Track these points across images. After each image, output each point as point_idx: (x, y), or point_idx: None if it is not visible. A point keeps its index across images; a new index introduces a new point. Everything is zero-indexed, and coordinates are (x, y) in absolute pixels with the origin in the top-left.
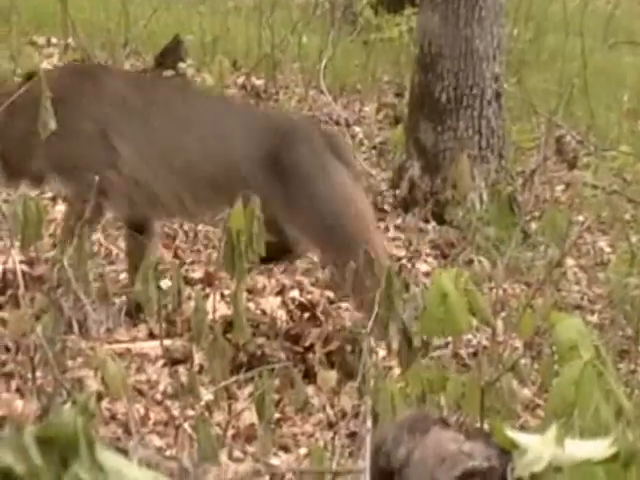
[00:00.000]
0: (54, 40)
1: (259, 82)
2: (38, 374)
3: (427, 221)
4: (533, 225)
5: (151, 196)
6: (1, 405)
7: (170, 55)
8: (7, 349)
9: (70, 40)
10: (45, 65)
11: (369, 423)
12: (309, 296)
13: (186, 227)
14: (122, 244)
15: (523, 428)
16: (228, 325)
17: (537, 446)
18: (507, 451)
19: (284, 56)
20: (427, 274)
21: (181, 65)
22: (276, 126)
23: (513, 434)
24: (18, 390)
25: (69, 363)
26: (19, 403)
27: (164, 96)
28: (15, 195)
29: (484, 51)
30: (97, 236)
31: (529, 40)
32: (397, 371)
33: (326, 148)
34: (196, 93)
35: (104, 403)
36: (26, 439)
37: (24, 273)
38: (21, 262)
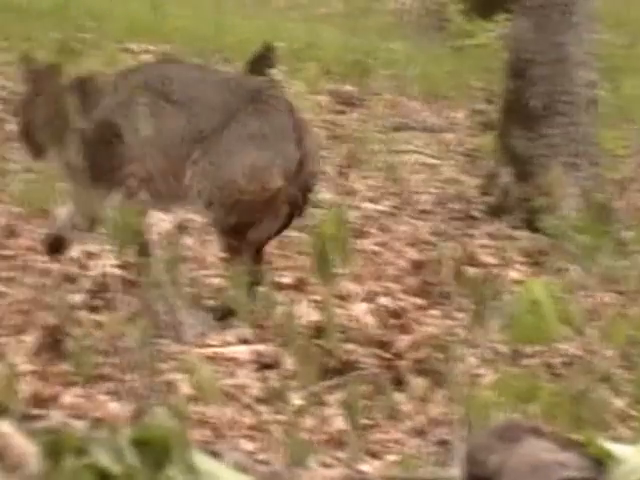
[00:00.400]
0: (148, 47)
1: (349, 88)
2: (132, 377)
3: (518, 229)
4: (628, 233)
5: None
6: (96, 407)
7: (261, 62)
8: (102, 352)
9: (164, 47)
10: None
11: (461, 431)
12: (399, 303)
13: None
14: (214, 249)
15: (616, 439)
16: (318, 331)
17: (633, 457)
18: (601, 462)
19: (375, 62)
20: (518, 282)
21: (272, 72)
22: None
23: (608, 445)
24: (113, 392)
25: (162, 366)
26: (114, 405)
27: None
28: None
29: (577, 57)
30: (189, 241)
31: (624, 46)
32: (488, 379)
33: None
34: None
35: (195, 407)
36: (122, 441)
37: (119, 277)
38: (117, 266)
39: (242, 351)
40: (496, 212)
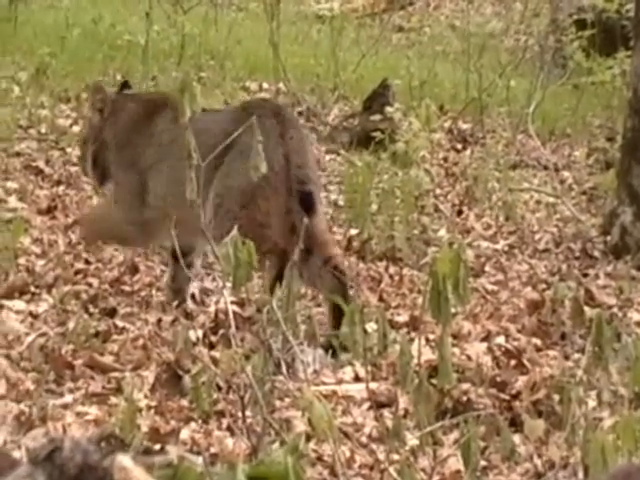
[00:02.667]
0: (265, 85)
1: (466, 126)
2: (248, 413)
3: (639, 269)
4: None
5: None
6: (213, 443)
7: (378, 99)
8: (219, 388)
9: (281, 85)
10: None
11: (580, 475)
12: (515, 343)
13: (391, 270)
14: None
15: None
16: (433, 370)
17: None
18: None
19: (491, 100)
20: (639, 324)
21: (388, 109)
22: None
23: None
24: (229, 428)
25: (277, 403)
26: (230, 441)
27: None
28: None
29: None
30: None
31: None
32: (607, 422)
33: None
34: None
35: (311, 444)
36: (239, 477)
37: (235, 314)
38: (232, 303)
39: (357, 389)
40: (616, 252)
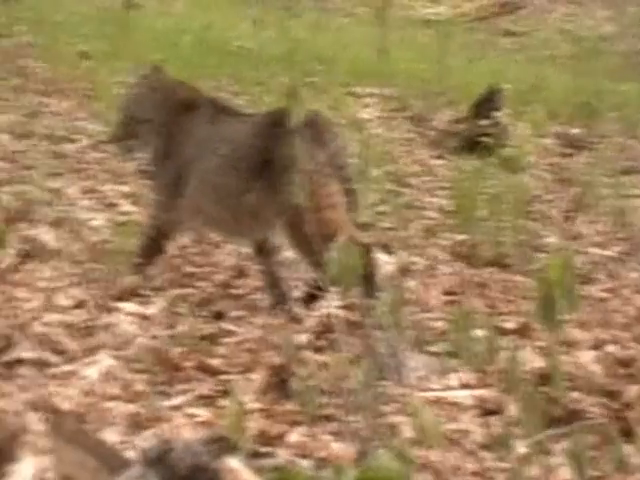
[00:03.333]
0: (373, 90)
1: (576, 131)
2: (354, 418)
3: None
4: None
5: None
6: (321, 447)
7: (485, 104)
8: (325, 392)
9: (388, 90)
10: (363, 115)
11: None
12: (627, 351)
13: (499, 276)
14: (434, 292)
15: None
16: (542, 378)
17: None
18: None
19: (603, 104)
20: None
21: (496, 114)
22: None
23: None
24: (336, 433)
25: (384, 408)
26: (337, 446)
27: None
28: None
29: None
30: (412, 283)
31: None
32: None
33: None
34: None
35: (418, 450)
36: None
37: (342, 318)
38: (340, 307)
39: (465, 396)
40: None
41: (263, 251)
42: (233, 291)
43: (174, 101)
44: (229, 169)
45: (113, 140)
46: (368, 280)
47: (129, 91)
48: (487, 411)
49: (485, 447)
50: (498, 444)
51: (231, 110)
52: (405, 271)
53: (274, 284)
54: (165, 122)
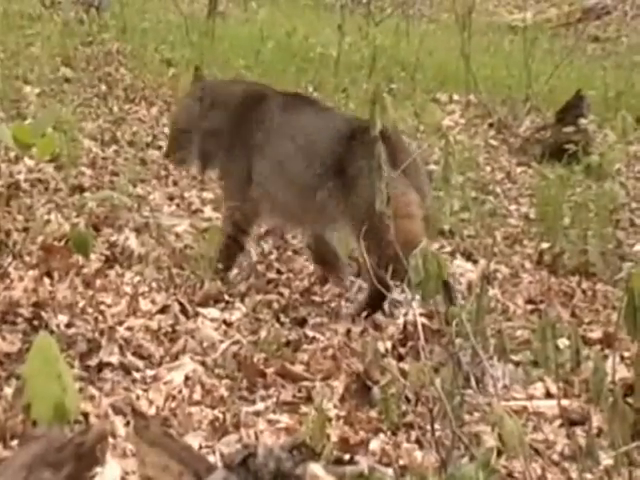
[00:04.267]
0: (456, 97)
1: None
2: (437, 426)
3: None
4: None
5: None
6: (402, 455)
7: (571, 111)
8: (407, 400)
9: (471, 96)
10: (447, 122)
11: None
12: None
13: (584, 285)
14: (517, 300)
15: None
16: (628, 389)
17: None
18: None
19: None
20: None
21: (582, 121)
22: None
23: None
24: (418, 441)
25: (466, 417)
26: (419, 454)
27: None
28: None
29: None
30: (495, 291)
31: None
32: None
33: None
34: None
35: (501, 460)
36: None
37: (424, 326)
38: (421, 315)
39: (549, 406)
40: None
41: (317, 243)
42: (315, 298)
43: (234, 97)
44: (304, 162)
45: (165, 155)
46: (446, 288)
47: (175, 106)
48: (572, 421)
49: (570, 458)
50: (583, 455)
51: (300, 100)
52: (488, 279)
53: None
54: (226, 119)
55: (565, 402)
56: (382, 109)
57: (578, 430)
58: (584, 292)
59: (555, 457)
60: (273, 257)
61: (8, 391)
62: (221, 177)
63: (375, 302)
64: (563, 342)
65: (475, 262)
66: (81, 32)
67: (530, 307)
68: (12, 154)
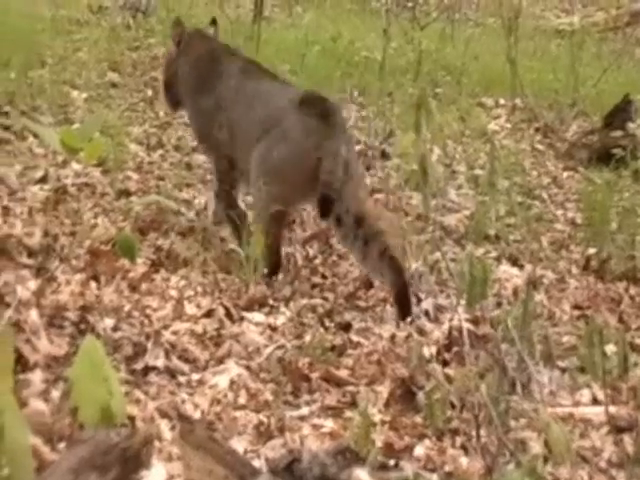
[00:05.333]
0: (502, 101)
1: None
2: (482, 432)
3: None
4: None
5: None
6: (447, 461)
7: (619, 115)
8: (452, 405)
9: (517, 101)
10: (492, 126)
11: None
12: None
13: (632, 291)
14: (564, 306)
15: None
16: None
17: None
18: None
19: None
20: None
21: (630, 125)
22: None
23: None
24: (463, 447)
25: (512, 423)
26: (464, 460)
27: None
28: (462, 254)
29: None
30: (540, 297)
31: None
32: None
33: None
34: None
35: (547, 467)
36: None
37: (469, 331)
38: (467, 320)
39: (596, 412)
40: None
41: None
42: (359, 303)
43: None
44: (252, 120)
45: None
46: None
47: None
48: (619, 428)
49: (617, 465)
50: (631, 462)
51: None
52: (534, 284)
53: None
54: (194, 68)
55: (612, 409)
56: (427, 113)
57: (626, 437)
58: (632, 298)
59: (602, 464)
60: (318, 261)
61: (55, 394)
62: (189, 119)
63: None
64: (610, 348)
65: (521, 267)
66: (128, 37)
67: (577, 313)
68: (60, 158)
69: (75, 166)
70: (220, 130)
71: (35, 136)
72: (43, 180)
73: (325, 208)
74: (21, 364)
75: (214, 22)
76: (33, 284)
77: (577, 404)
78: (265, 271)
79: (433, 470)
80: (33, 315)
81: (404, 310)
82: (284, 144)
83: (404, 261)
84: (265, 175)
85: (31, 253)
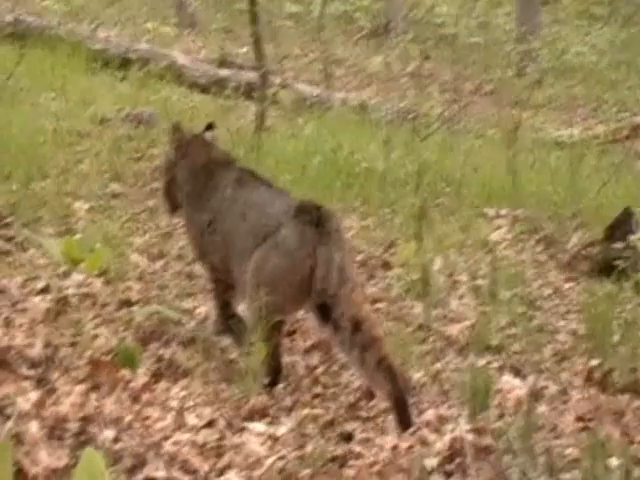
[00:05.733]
0: (503, 212)
1: None
2: None
3: None
4: None
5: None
6: None
7: (620, 227)
8: None
9: (519, 212)
10: (494, 237)
11: None
12: None
13: (635, 404)
14: (567, 418)
15: None
16: None
17: None
18: None
19: None
20: None
21: (631, 237)
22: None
23: None
24: None
25: None
26: None
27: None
28: (464, 364)
29: None
30: (543, 408)
31: None
32: None
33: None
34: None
35: None
36: None
37: (471, 443)
38: (469, 431)
39: None
40: None
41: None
42: (361, 413)
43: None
44: (247, 231)
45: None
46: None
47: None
48: None
49: None
50: None
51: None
52: (537, 396)
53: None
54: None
55: None
56: (429, 224)
57: None
58: (635, 411)
59: None
60: (319, 371)
61: None
62: (185, 228)
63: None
64: (613, 461)
65: (523, 378)
66: (130, 148)
67: (580, 425)
68: (62, 269)
69: (77, 276)
70: (215, 241)
71: (37, 247)
72: (45, 291)
73: (322, 314)
74: (21, 477)
75: (210, 127)
76: (34, 395)
77: None
78: (266, 381)
79: None
80: (33, 427)
81: (404, 421)
82: (278, 254)
83: (402, 371)
84: (260, 286)
85: (32, 364)
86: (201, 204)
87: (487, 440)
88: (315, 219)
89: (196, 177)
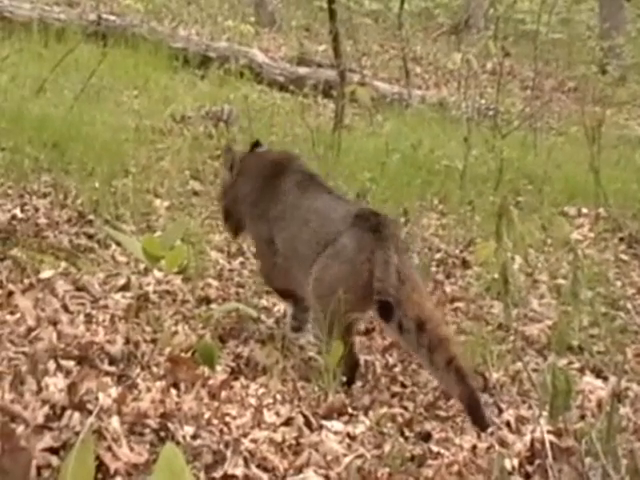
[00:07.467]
0: (585, 210)
1: None
2: None
3: None
4: None
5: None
6: None
7: None
8: None
9: (601, 210)
10: (575, 235)
11: None
12: None
13: None
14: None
15: None
16: None
17: None
18: None
19: None
20: None
21: None
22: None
23: None
24: None
25: None
26: None
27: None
28: (544, 364)
29: None
30: (625, 410)
31: None
32: None
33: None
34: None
35: None
36: None
37: (552, 444)
38: (549, 432)
39: None
40: None
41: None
42: (439, 412)
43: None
44: (309, 237)
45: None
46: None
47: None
48: None
49: None
50: None
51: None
52: (619, 397)
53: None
54: (249, 187)
55: None
56: (509, 222)
57: None
58: None
59: None
60: (397, 370)
61: None
62: (251, 242)
63: None
64: None
65: (605, 379)
66: (210, 146)
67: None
68: (142, 266)
69: (157, 274)
70: (277, 254)
71: (118, 244)
72: (125, 288)
73: (384, 314)
74: (102, 472)
75: (257, 144)
76: (115, 391)
77: None
78: (344, 379)
79: None
80: (114, 422)
81: (478, 422)
82: (337, 263)
83: (472, 372)
84: (323, 295)
85: (113, 360)
86: (264, 217)
87: (568, 441)
88: (373, 226)
89: (255, 191)
